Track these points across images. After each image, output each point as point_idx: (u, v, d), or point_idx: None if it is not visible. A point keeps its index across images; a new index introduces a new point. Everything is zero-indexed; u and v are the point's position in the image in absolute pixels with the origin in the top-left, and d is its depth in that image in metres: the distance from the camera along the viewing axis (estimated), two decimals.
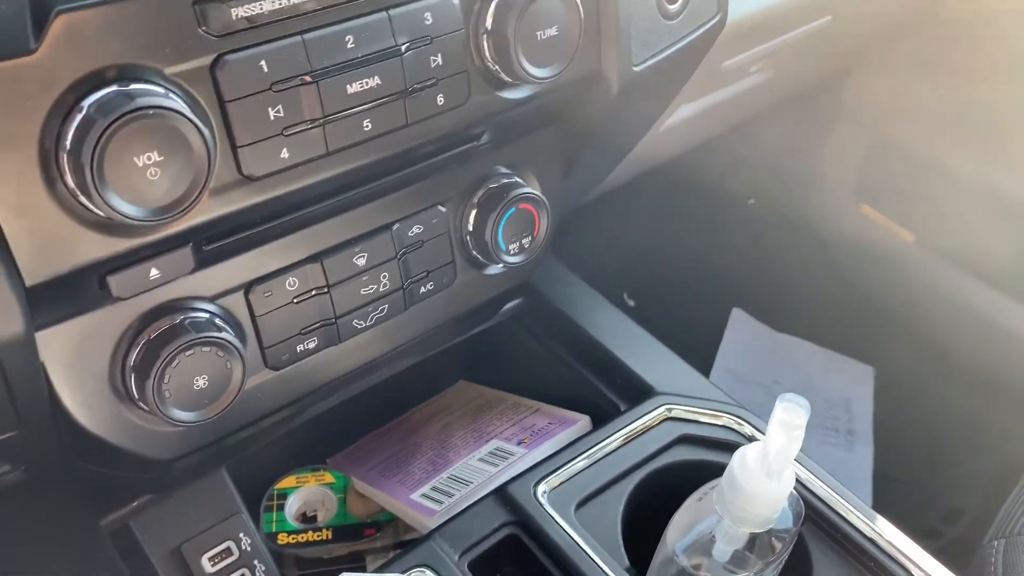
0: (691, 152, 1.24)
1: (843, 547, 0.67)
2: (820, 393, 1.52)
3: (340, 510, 0.83)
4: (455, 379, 0.96)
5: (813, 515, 0.69)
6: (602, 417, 0.76)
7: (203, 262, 0.55)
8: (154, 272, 0.51)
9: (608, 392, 0.79)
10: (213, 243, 0.55)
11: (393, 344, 0.70)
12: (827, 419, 1.50)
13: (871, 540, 0.67)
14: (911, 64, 1.44)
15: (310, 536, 0.80)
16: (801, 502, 0.67)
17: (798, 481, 0.70)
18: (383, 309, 0.65)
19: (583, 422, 0.78)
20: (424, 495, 0.75)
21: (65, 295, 0.50)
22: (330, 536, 0.80)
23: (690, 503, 0.66)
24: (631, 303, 1.67)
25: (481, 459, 0.78)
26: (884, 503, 1.40)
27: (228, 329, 0.56)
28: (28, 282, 0.46)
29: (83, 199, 0.44)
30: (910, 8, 1.21)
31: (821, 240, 1.68)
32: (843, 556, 0.67)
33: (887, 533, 0.67)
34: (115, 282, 0.50)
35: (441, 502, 0.73)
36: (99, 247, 0.47)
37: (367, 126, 0.53)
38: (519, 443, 0.78)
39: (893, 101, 1.51)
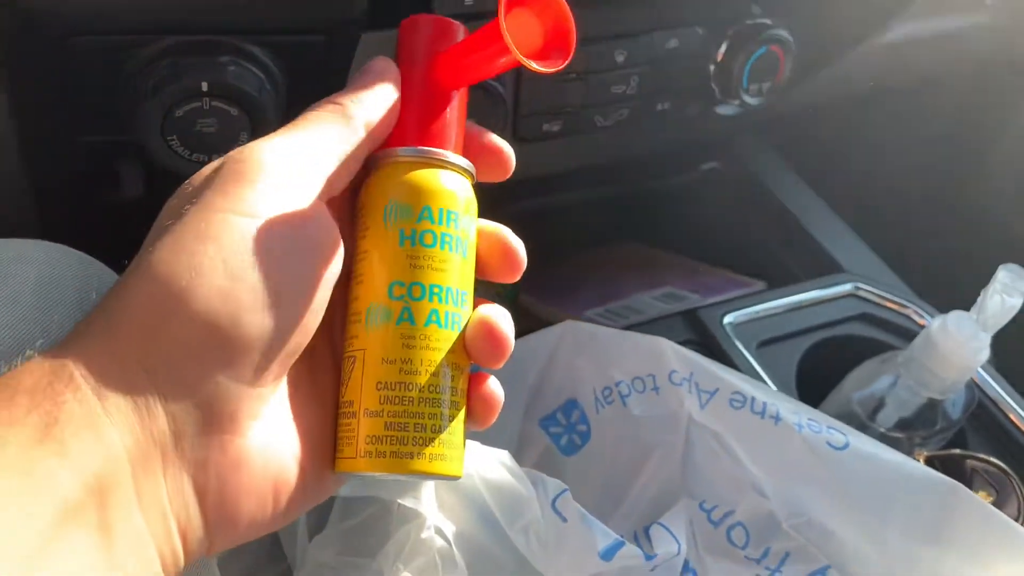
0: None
1: (1006, 448, 0.68)
2: None
3: None
4: (619, 237, 0.97)
5: (981, 413, 0.70)
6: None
7: None
8: None
9: (791, 264, 0.81)
10: None
11: (611, 157, 0.72)
12: None
13: None
14: None
15: None
16: (976, 393, 0.68)
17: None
18: (623, 113, 0.67)
19: (759, 286, 0.80)
20: (598, 314, 0.78)
21: None
22: None
23: (871, 363, 0.67)
24: None
25: (654, 298, 0.80)
26: None
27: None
28: None
29: None
30: None
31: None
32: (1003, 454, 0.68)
33: None
34: None
35: (616, 322, 0.76)
36: None
37: None
38: (692, 291, 0.80)
39: None
